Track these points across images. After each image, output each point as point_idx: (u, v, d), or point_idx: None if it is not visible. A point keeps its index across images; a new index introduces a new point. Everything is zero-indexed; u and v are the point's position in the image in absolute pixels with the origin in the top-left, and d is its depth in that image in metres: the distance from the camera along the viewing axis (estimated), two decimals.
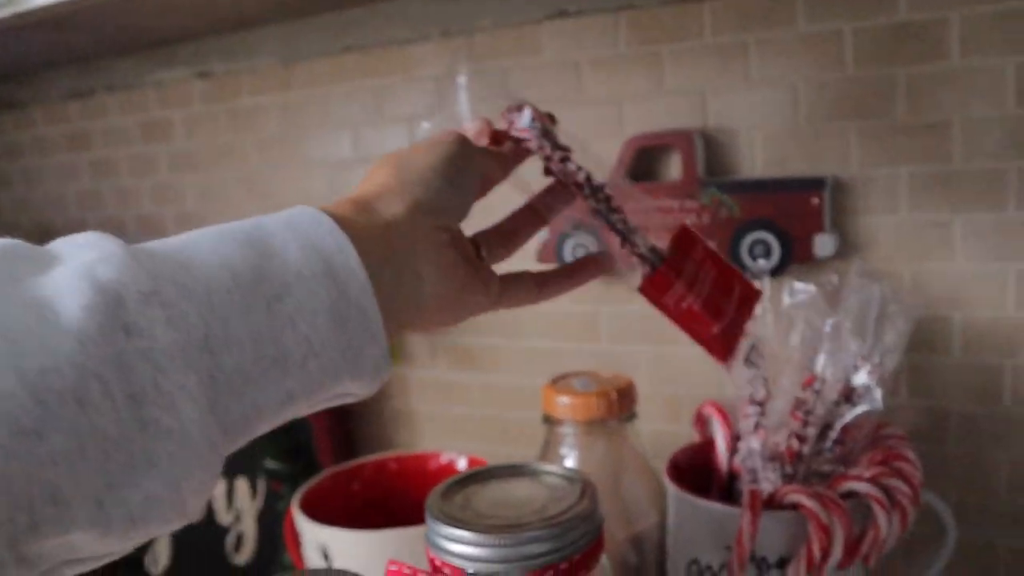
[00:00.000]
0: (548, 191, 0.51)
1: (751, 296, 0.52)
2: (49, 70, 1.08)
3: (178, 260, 0.32)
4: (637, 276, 0.50)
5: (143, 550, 0.92)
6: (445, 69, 0.50)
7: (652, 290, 0.50)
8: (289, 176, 0.95)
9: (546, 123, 0.49)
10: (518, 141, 0.49)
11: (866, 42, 0.66)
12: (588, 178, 0.49)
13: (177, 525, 0.31)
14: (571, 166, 0.48)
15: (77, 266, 0.30)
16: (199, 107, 0.99)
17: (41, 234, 1.13)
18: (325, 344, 0.34)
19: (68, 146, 1.11)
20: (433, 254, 0.40)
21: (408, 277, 0.39)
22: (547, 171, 0.50)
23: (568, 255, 0.76)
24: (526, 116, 0.48)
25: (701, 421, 0.66)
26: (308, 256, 0.35)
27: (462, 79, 0.50)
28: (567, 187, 0.50)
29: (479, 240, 0.48)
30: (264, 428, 0.34)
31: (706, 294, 0.50)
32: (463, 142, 0.44)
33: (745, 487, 0.55)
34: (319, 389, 0.35)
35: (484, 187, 0.46)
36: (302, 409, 0.35)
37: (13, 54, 0.98)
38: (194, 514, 0.31)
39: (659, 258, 0.50)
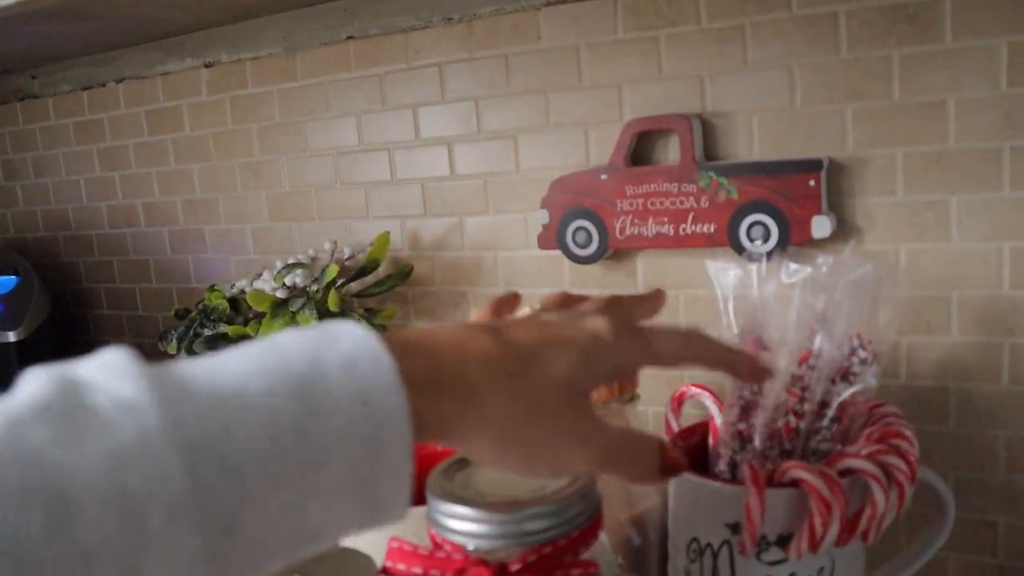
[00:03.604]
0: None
1: None
2: (61, 62, 1.10)
3: (221, 417, 0.29)
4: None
5: None
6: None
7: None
8: (293, 163, 0.96)
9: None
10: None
11: (860, 24, 0.66)
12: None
13: None
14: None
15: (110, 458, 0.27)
16: (205, 96, 1.00)
17: (54, 223, 1.15)
18: (347, 518, 0.32)
19: (79, 137, 1.12)
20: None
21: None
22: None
23: (569, 240, 0.77)
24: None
25: (678, 402, 0.67)
26: (355, 419, 0.31)
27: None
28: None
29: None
30: None
31: None
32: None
33: (744, 464, 0.55)
34: (322, 546, 0.33)
35: None
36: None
37: (27, 46, 0.99)
38: None
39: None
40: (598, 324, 0.41)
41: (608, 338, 0.40)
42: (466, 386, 0.36)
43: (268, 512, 0.30)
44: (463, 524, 0.44)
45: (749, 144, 0.71)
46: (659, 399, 0.74)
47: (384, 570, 0.45)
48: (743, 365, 0.47)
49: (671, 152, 0.74)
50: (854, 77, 0.67)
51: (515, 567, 0.44)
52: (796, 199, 0.68)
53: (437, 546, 0.46)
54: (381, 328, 0.84)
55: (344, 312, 0.80)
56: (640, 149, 0.75)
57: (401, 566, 0.45)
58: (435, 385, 0.35)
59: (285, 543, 0.31)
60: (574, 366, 0.39)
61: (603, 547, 0.50)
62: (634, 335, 0.42)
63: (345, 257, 0.84)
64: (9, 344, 0.97)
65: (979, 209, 0.65)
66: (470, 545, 0.45)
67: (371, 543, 0.48)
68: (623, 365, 0.42)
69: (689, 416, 0.68)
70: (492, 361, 0.37)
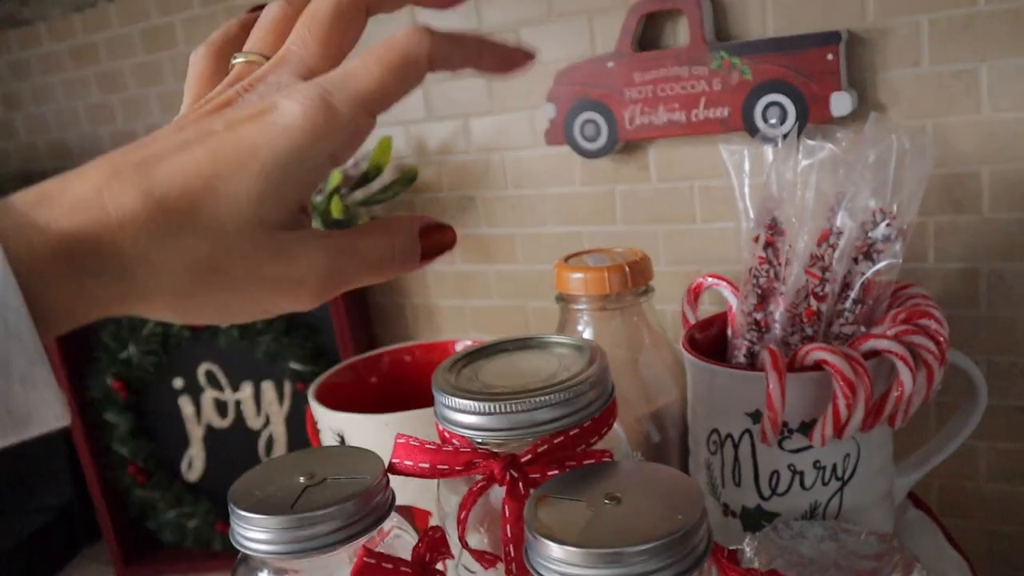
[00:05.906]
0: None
1: None
2: None
3: None
4: None
5: (178, 456, 0.94)
6: None
7: None
8: None
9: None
10: None
11: None
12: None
13: None
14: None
15: None
16: (197, 10, 0.96)
17: (57, 153, 1.13)
18: None
19: (74, 61, 1.10)
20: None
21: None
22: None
23: (578, 134, 0.73)
24: None
25: (695, 295, 0.64)
26: None
27: None
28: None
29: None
30: None
31: None
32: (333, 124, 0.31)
33: (763, 350, 0.53)
34: None
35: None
36: None
37: None
38: None
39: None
40: (291, 105, 0.31)
41: (307, 123, 0.30)
42: (112, 261, 0.29)
43: None
44: (470, 417, 0.43)
45: (762, 21, 0.67)
46: (675, 295, 0.72)
47: (390, 466, 0.43)
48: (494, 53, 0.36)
49: (680, 35, 0.71)
50: None
51: (526, 458, 0.42)
52: (814, 76, 0.64)
53: (445, 441, 0.44)
54: None
55: (349, 220, 0.78)
56: (648, 33, 0.71)
57: (408, 462, 0.43)
58: (71, 266, 0.28)
59: None
60: (253, 199, 0.30)
61: (618, 438, 0.48)
62: (342, 96, 0.32)
63: (348, 165, 0.82)
64: None
65: (1011, 76, 0.61)
66: (478, 438, 0.43)
67: (383, 448, 0.47)
68: (342, 147, 0.32)
69: (707, 311, 0.66)
70: (137, 223, 0.29)
